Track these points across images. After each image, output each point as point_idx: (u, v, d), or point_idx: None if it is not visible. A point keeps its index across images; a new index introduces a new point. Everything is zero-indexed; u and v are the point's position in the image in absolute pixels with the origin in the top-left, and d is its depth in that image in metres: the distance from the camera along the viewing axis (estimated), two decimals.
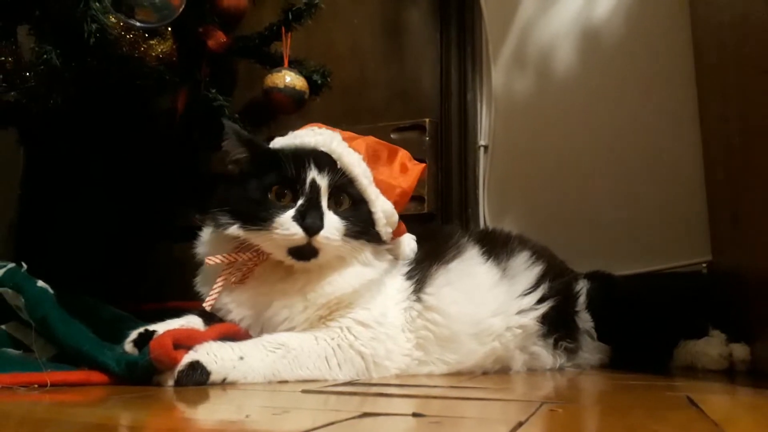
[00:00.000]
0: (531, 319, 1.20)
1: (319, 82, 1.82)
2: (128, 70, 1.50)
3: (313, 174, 1.03)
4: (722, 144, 1.45)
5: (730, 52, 1.35)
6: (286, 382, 0.97)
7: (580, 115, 1.88)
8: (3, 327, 1.18)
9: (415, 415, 0.66)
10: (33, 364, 0.96)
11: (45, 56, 1.35)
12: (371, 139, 1.17)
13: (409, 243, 1.18)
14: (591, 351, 1.30)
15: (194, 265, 1.16)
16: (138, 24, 1.39)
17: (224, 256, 1.05)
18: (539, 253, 1.31)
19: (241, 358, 0.94)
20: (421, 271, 1.16)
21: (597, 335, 1.30)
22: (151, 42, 1.53)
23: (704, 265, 1.65)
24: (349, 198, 1.07)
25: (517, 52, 1.98)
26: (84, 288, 1.38)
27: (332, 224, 1.02)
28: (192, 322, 1.05)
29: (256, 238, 1.02)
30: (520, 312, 1.20)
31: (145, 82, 1.56)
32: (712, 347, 1.24)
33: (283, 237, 0.99)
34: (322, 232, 1.00)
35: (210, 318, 1.07)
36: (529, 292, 1.23)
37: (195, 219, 1.15)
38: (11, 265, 1.22)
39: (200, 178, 2.07)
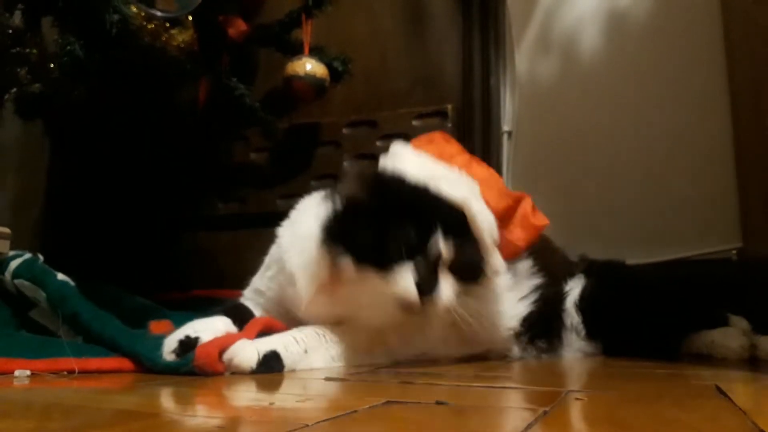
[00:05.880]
0: (517, 321, 1.23)
1: (340, 69, 1.81)
2: (150, 60, 1.51)
3: (437, 240, 0.99)
4: (755, 125, 1.42)
5: (762, 29, 1.31)
6: (313, 369, 0.98)
7: (606, 99, 1.85)
8: (29, 314, 1.20)
9: (438, 402, 0.66)
10: (65, 350, 0.98)
11: (68, 48, 1.36)
12: (501, 185, 1.15)
13: None
14: (577, 346, 1.30)
15: (217, 253, 1.17)
16: (159, 14, 1.39)
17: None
18: (540, 262, 1.30)
19: (306, 351, 0.97)
20: None
21: (585, 332, 1.29)
22: (172, 32, 1.54)
23: (734, 251, 1.62)
24: (467, 260, 1.04)
25: (541, 35, 1.95)
26: (109, 277, 1.40)
27: (447, 288, 1.00)
28: (224, 323, 1.05)
29: (369, 278, 1.00)
30: (515, 315, 1.23)
31: (166, 72, 1.57)
32: (729, 339, 1.22)
33: (396, 291, 0.97)
34: (441, 297, 0.98)
35: (236, 316, 1.08)
36: (524, 299, 1.25)
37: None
38: (27, 255, 1.23)
39: (222, 167, 2.09)
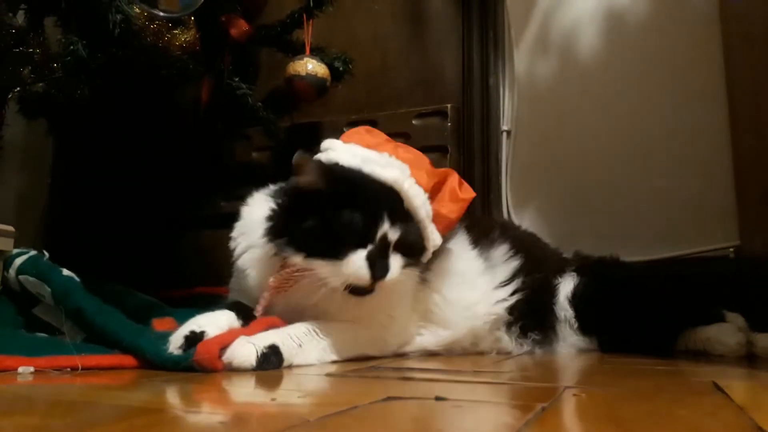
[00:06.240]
0: (502, 309, 1.27)
1: (341, 69, 1.82)
2: (153, 59, 1.52)
3: (385, 228, 1.04)
4: (752, 124, 1.42)
5: (759, 29, 1.32)
6: (312, 365, 1.00)
7: (604, 99, 1.86)
8: (33, 311, 1.21)
9: (438, 398, 0.67)
10: (66, 348, 0.99)
11: (71, 47, 1.37)
12: (427, 164, 1.18)
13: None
14: (571, 341, 1.32)
15: (220, 251, 1.18)
16: (161, 14, 1.40)
17: (281, 276, 1.06)
18: (519, 247, 1.34)
19: (300, 345, 0.99)
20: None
21: (579, 326, 1.31)
22: (175, 32, 1.54)
23: (732, 249, 1.62)
24: (410, 240, 1.09)
25: (540, 35, 1.95)
26: (113, 275, 1.40)
27: (396, 265, 1.05)
28: (227, 317, 1.06)
29: (319, 267, 1.03)
30: (496, 302, 1.27)
31: (169, 72, 1.58)
32: (726, 335, 1.22)
33: (349, 274, 1.01)
34: (387, 277, 1.03)
35: (239, 311, 1.09)
36: (505, 285, 1.29)
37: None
38: (33, 252, 1.24)
39: (225, 166, 2.10)
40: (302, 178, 1.05)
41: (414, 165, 1.14)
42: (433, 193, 1.16)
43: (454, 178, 1.20)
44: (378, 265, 1.02)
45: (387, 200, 1.07)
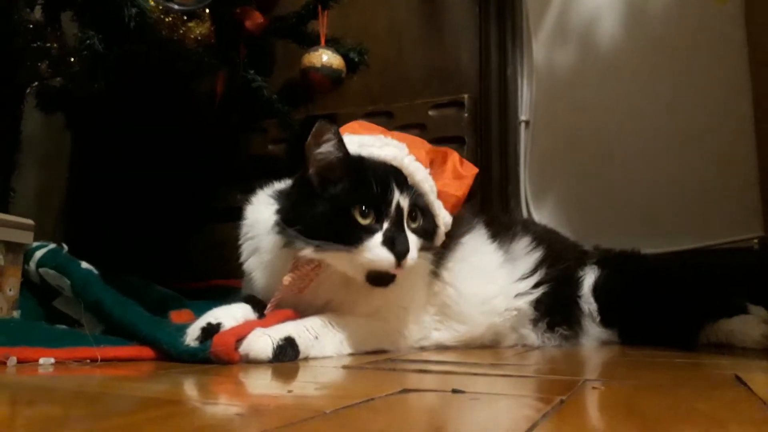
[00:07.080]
0: (525, 303, 1.25)
1: (356, 60, 1.81)
2: (168, 53, 1.52)
3: (397, 196, 1.01)
4: None
5: None
6: (329, 357, 0.99)
7: (624, 89, 1.83)
8: (53, 303, 1.23)
9: (454, 391, 0.66)
10: (85, 339, 1.00)
11: (88, 42, 1.38)
12: (426, 145, 1.16)
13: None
14: (593, 333, 1.31)
15: (236, 244, 1.18)
16: (176, 7, 1.40)
17: (295, 276, 1.04)
18: (540, 239, 1.33)
19: (316, 337, 0.98)
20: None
21: (601, 319, 1.30)
22: (190, 24, 1.55)
23: (756, 240, 1.59)
24: (421, 214, 1.07)
25: (559, 24, 1.93)
26: (130, 268, 1.42)
27: (414, 245, 1.02)
28: (243, 310, 1.06)
29: (335, 258, 1.01)
30: (517, 295, 1.25)
31: (184, 65, 1.58)
32: (750, 327, 1.20)
33: (371, 262, 0.98)
34: (409, 256, 1.00)
35: (255, 303, 1.09)
36: (527, 277, 1.27)
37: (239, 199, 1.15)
38: (52, 245, 1.26)
39: (241, 159, 2.11)
40: (323, 147, 1.01)
41: (411, 145, 1.12)
42: (436, 171, 1.14)
43: (454, 157, 1.19)
44: (398, 242, 0.98)
45: (392, 174, 1.05)
